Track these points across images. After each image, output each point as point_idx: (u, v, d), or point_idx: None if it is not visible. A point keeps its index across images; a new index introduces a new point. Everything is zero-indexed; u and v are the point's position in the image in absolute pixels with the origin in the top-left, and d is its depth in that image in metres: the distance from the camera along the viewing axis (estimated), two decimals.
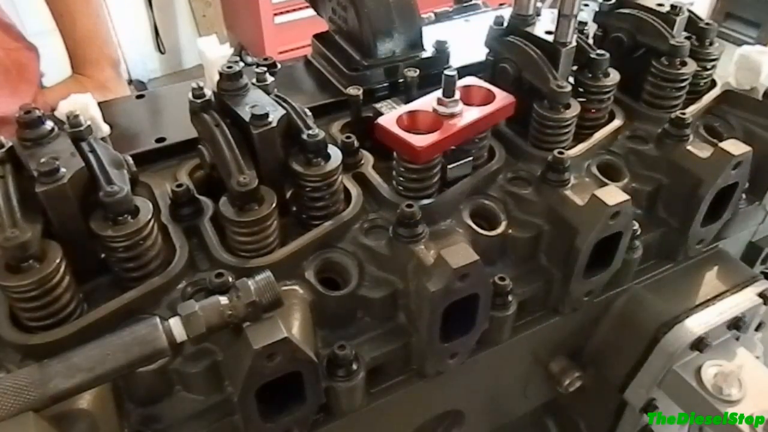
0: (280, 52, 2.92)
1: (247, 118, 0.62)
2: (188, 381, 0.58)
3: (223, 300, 0.51)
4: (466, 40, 0.95)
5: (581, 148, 0.78)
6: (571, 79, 0.81)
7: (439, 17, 1.13)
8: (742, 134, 0.86)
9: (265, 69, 0.72)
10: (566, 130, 0.77)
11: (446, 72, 0.67)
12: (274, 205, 0.61)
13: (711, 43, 0.88)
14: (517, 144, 0.79)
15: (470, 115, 0.69)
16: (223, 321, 0.50)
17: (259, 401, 0.54)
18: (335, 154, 0.65)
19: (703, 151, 0.77)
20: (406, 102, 0.75)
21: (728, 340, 0.84)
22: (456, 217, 0.72)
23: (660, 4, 0.85)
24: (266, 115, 0.62)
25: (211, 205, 0.66)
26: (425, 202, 0.69)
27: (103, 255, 0.60)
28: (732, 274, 0.88)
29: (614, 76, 0.81)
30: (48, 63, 1.47)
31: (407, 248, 0.63)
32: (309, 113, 0.68)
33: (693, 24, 0.87)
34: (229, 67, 0.65)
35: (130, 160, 0.65)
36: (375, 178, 0.72)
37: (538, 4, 0.81)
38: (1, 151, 0.59)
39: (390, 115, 0.69)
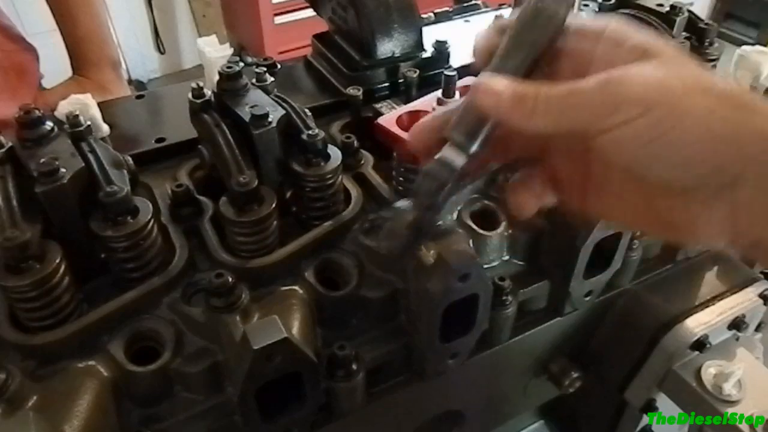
0: (280, 53, 2.92)
1: (247, 118, 0.62)
2: (188, 381, 0.58)
3: None
4: (466, 40, 0.95)
5: None
6: None
7: (439, 17, 1.13)
8: None
9: (265, 69, 0.72)
10: None
11: (446, 72, 0.67)
12: (274, 205, 0.61)
13: (711, 44, 0.88)
14: None
15: None
16: None
17: (258, 401, 0.54)
18: (335, 154, 0.65)
19: None
20: (406, 102, 0.75)
21: (728, 340, 0.84)
22: (456, 217, 0.72)
23: (660, 5, 0.85)
24: (266, 115, 0.62)
25: (211, 206, 0.66)
26: None
27: (103, 255, 0.60)
28: (732, 275, 0.87)
29: None
30: (48, 64, 1.47)
31: None
32: (309, 113, 0.68)
33: (693, 24, 0.87)
34: (229, 68, 0.66)
35: (130, 160, 0.65)
36: (375, 178, 0.72)
37: None
38: (0, 152, 0.59)
39: (390, 115, 0.69)
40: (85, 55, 1.43)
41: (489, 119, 0.44)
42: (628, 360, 0.84)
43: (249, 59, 0.95)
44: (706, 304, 0.83)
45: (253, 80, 0.69)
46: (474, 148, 0.44)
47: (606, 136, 0.40)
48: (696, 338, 0.78)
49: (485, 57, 0.46)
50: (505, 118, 0.42)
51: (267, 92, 0.68)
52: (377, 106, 0.81)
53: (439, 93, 0.69)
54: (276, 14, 3.09)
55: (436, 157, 0.44)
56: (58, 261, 0.52)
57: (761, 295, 0.84)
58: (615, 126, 0.39)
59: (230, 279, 0.54)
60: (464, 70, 0.76)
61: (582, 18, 0.46)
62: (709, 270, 0.88)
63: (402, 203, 0.45)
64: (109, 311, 0.56)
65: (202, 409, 0.59)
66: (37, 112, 0.59)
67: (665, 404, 0.84)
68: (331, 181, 0.65)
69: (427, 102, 0.70)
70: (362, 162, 0.74)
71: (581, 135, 0.41)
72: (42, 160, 0.55)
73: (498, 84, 0.42)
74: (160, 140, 0.77)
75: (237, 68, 0.66)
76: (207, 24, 3.58)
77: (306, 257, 0.65)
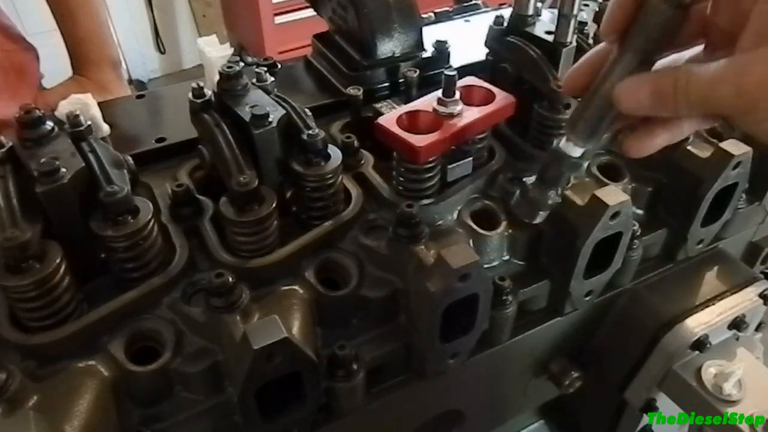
0: (280, 52, 2.92)
1: (247, 118, 0.62)
2: (188, 381, 0.58)
3: None
4: (466, 40, 0.95)
5: None
6: None
7: (439, 17, 1.13)
8: (742, 134, 0.86)
9: (265, 69, 0.72)
10: None
11: (446, 72, 0.67)
12: (274, 205, 0.61)
13: None
14: (517, 144, 0.79)
15: (470, 115, 0.69)
16: None
17: (259, 401, 0.54)
18: (335, 154, 0.65)
19: (703, 151, 0.77)
20: (406, 102, 0.75)
21: (728, 340, 0.83)
22: (456, 217, 0.72)
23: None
24: (266, 115, 0.62)
25: (211, 205, 0.66)
26: (425, 202, 0.69)
27: (103, 255, 0.60)
28: (732, 274, 0.87)
29: None
30: (48, 64, 1.47)
31: (407, 248, 0.63)
32: (309, 113, 0.68)
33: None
34: (229, 67, 0.65)
35: (130, 160, 0.65)
36: (375, 178, 0.72)
37: (538, 4, 0.81)
38: (1, 151, 0.59)
39: (390, 115, 0.69)
40: (86, 55, 1.44)
41: (609, 118, 0.48)
42: (628, 360, 0.84)
43: (249, 59, 0.94)
44: (706, 304, 0.83)
45: (253, 80, 0.69)
46: (591, 145, 0.52)
47: (747, 126, 0.41)
48: (696, 338, 0.78)
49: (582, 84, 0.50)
50: (649, 114, 0.44)
51: (267, 92, 0.68)
52: (377, 106, 0.81)
53: (439, 93, 0.68)
54: (276, 14, 3.09)
55: (560, 149, 0.54)
56: (58, 261, 0.52)
57: (761, 295, 0.84)
58: (755, 122, 0.40)
59: (230, 279, 0.54)
60: (464, 70, 0.76)
61: None
62: (709, 270, 0.88)
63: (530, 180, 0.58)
64: (109, 311, 0.56)
65: (202, 409, 0.59)
66: (37, 112, 0.59)
67: (665, 404, 0.84)
68: (331, 181, 0.65)
69: (427, 102, 0.69)
70: (362, 162, 0.74)
71: None
72: (42, 160, 0.55)
73: (634, 87, 0.43)
74: (160, 140, 0.77)
75: (237, 68, 0.66)
76: (207, 24, 3.59)
77: (306, 257, 0.65)
